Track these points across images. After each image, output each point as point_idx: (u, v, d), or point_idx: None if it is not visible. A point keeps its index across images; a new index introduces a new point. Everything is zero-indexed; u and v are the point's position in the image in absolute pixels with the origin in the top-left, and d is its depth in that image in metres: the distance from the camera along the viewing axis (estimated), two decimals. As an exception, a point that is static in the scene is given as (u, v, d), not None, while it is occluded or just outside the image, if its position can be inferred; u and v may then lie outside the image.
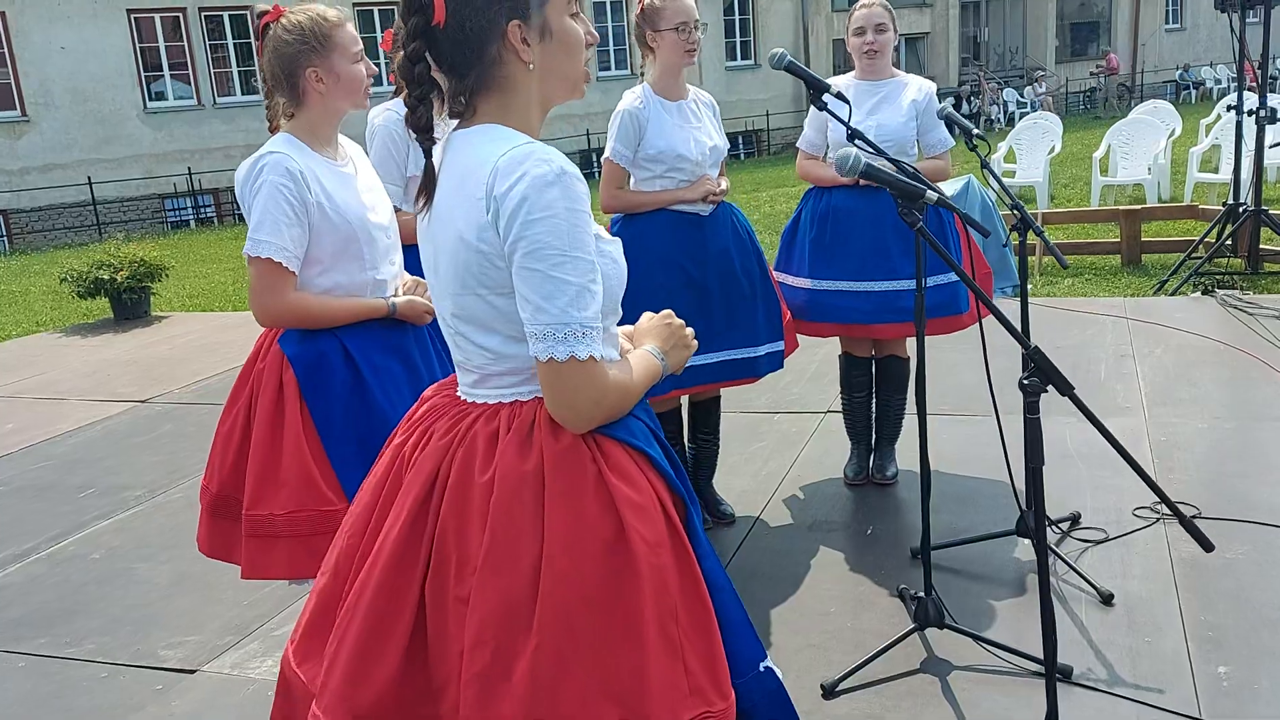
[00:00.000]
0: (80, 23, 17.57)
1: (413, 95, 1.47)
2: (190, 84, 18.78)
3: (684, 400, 3.88)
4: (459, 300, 1.50)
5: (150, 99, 18.45)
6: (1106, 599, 3.05)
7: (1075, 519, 3.57)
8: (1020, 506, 3.44)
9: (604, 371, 1.46)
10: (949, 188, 7.42)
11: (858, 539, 3.67)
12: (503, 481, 1.45)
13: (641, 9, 3.49)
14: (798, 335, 3.89)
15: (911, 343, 4.11)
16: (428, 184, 1.51)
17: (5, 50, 17.47)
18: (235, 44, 19.05)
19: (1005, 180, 10.95)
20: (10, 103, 17.72)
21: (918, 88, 3.79)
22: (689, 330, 1.73)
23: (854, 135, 2.84)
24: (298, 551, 2.32)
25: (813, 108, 3.87)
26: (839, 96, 2.91)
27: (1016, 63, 31.35)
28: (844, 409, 4.17)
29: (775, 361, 3.71)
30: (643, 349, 1.65)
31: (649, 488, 1.52)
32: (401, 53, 1.47)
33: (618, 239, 1.61)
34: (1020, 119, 13.60)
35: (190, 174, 18.23)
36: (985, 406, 4.83)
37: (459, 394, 1.60)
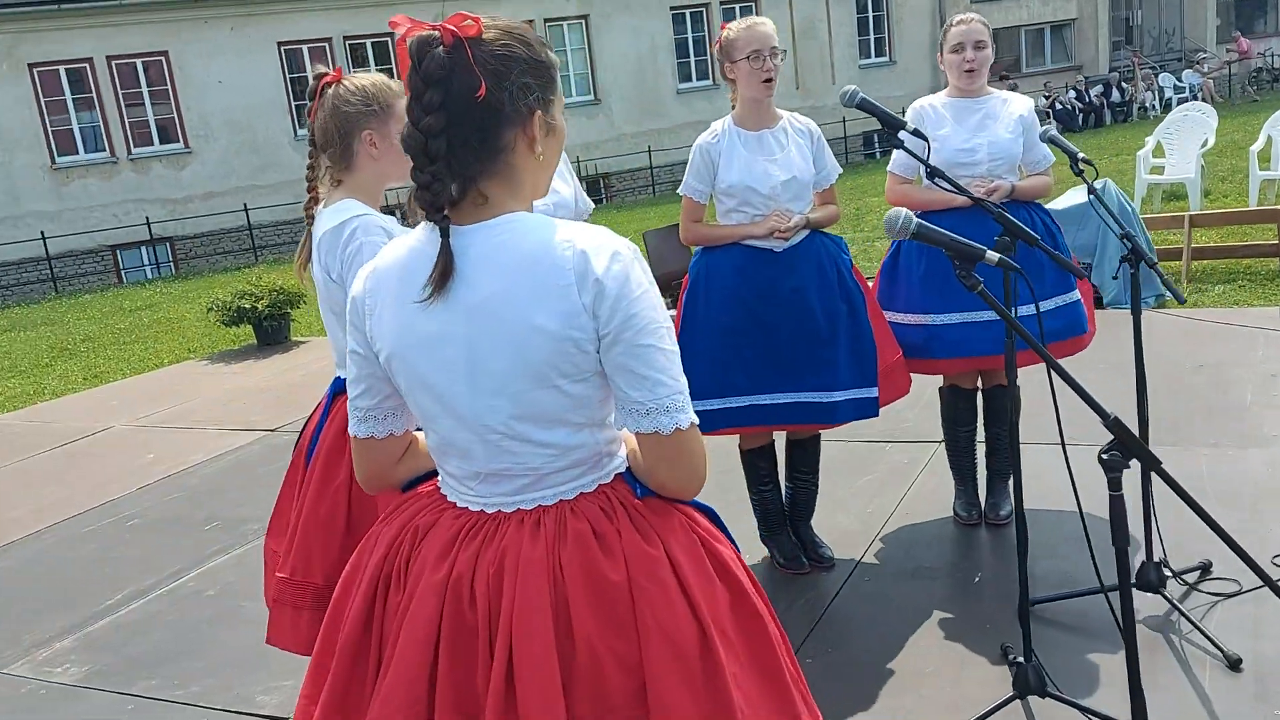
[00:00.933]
0: (235, 57, 18.52)
1: (425, 172, 1.39)
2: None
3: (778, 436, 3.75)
4: (525, 397, 1.41)
5: (300, 127, 19.31)
6: (1234, 664, 2.78)
7: (1205, 568, 3.29)
8: (1146, 556, 3.22)
9: (700, 435, 1.49)
10: (1083, 193, 7.02)
11: (964, 587, 3.47)
12: (640, 571, 1.43)
13: (719, 41, 3.41)
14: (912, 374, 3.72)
15: (1024, 370, 3.89)
16: (444, 269, 1.39)
17: (169, 87, 18.58)
18: (377, 70, 19.74)
19: (1154, 177, 10.33)
20: (174, 136, 18.83)
21: (1020, 103, 3.59)
22: None
23: (934, 173, 2.68)
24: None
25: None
26: (915, 133, 2.74)
27: (1174, 45, 29.62)
28: (948, 445, 3.96)
29: (863, 409, 3.50)
30: None
31: (730, 545, 1.58)
32: (411, 126, 1.39)
33: None
34: (1178, 105, 12.80)
35: (336, 197, 19.01)
36: (1099, 434, 4.53)
37: (477, 508, 1.49)
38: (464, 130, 1.40)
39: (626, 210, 18.54)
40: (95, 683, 3.47)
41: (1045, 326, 3.46)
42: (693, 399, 3.45)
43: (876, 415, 3.57)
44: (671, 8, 21.66)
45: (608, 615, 1.39)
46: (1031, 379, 5.00)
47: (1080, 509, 2.27)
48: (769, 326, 3.41)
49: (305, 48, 19.14)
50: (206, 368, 8.66)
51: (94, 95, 18.11)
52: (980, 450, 3.95)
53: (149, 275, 18.57)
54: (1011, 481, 2.64)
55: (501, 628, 1.38)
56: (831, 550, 3.75)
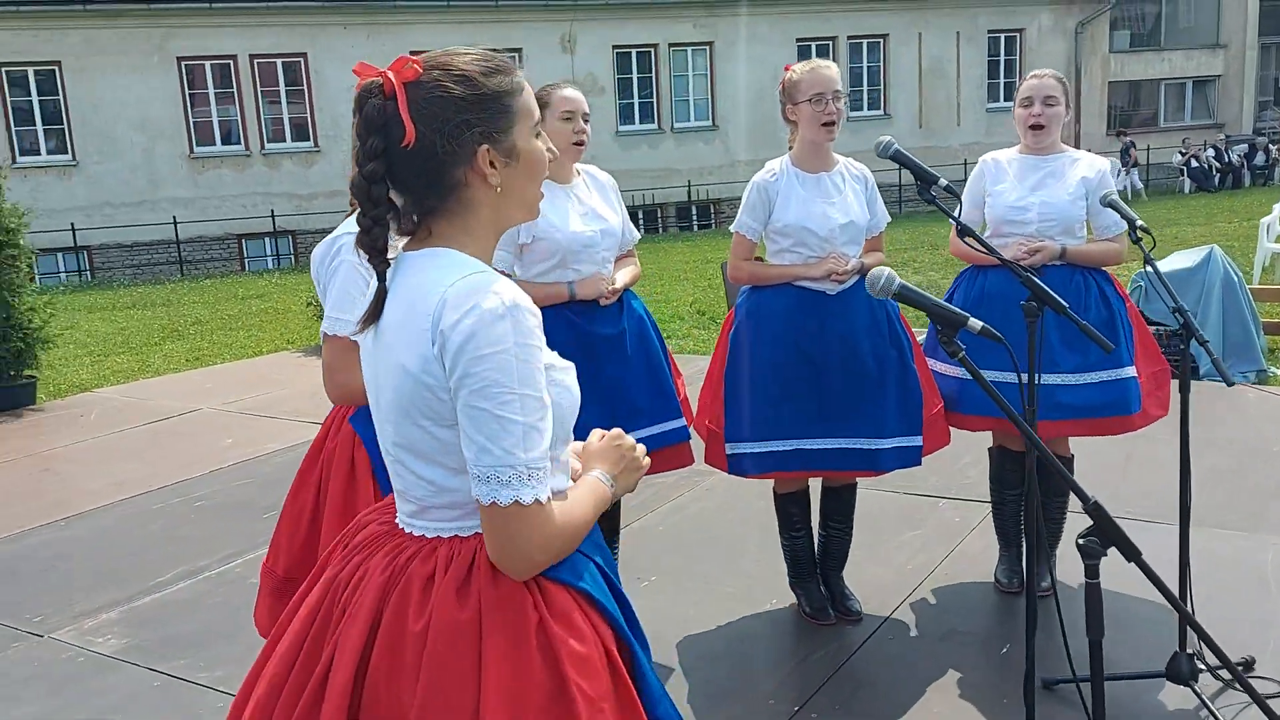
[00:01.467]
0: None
1: (368, 216, 1.44)
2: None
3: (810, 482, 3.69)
4: (401, 429, 1.46)
5: (423, 133, 19.93)
6: (1258, 772, 2.62)
7: (1247, 665, 3.11)
8: (1179, 645, 3.06)
9: (550, 516, 1.39)
10: (1189, 258, 6.75)
11: (990, 657, 3.35)
12: (437, 631, 1.39)
13: (783, 82, 3.40)
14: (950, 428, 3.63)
15: (1076, 440, 3.75)
16: (376, 305, 1.47)
17: (305, 87, 19.35)
18: (502, 83, 20.22)
19: (1278, 246, 9.84)
20: (306, 135, 19.60)
21: (1089, 164, 3.47)
22: (640, 449, 1.65)
23: (965, 231, 2.61)
24: None
25: (974, 177, 3.64)
26: (948, 190, 2.68)
27: (1329, 108, 28.20)
28: (994, 507, 3.85)
29: (907, 457, 3.45)
30: (591, 475, 1.57)
31: (593, 636, 1.45)
32: (357, 171, 1.45)
33: (571, 365, 1.54)
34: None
35: (451, 204, 19.52)
36: (1173, 511, 4.33)
37: (398, 522, 1.55)
38: (406, 174, 1.44)
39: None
40: (130, 656, 3.61)
41: (1088, 400, 3.35)
42: (738, 440, 3.43)
43: (919, 464, 3.51)
44: (797, 39, 21.61)
45: (398, 661, 1.40)
46: (1091, 447, 4.84)
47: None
48: (818, 369, 3.37)
49: (436, 58, 19.73)
50: (300, 359, 8.96)
51: (235, 91, 18.98)
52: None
53: (269, 265, 19.33)
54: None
55: (332, 637, 1.45)
56: (860, 604, 3.67)
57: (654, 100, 21.09)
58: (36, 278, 17.95)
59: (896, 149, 2.82)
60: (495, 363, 1.34)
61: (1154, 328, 6.61)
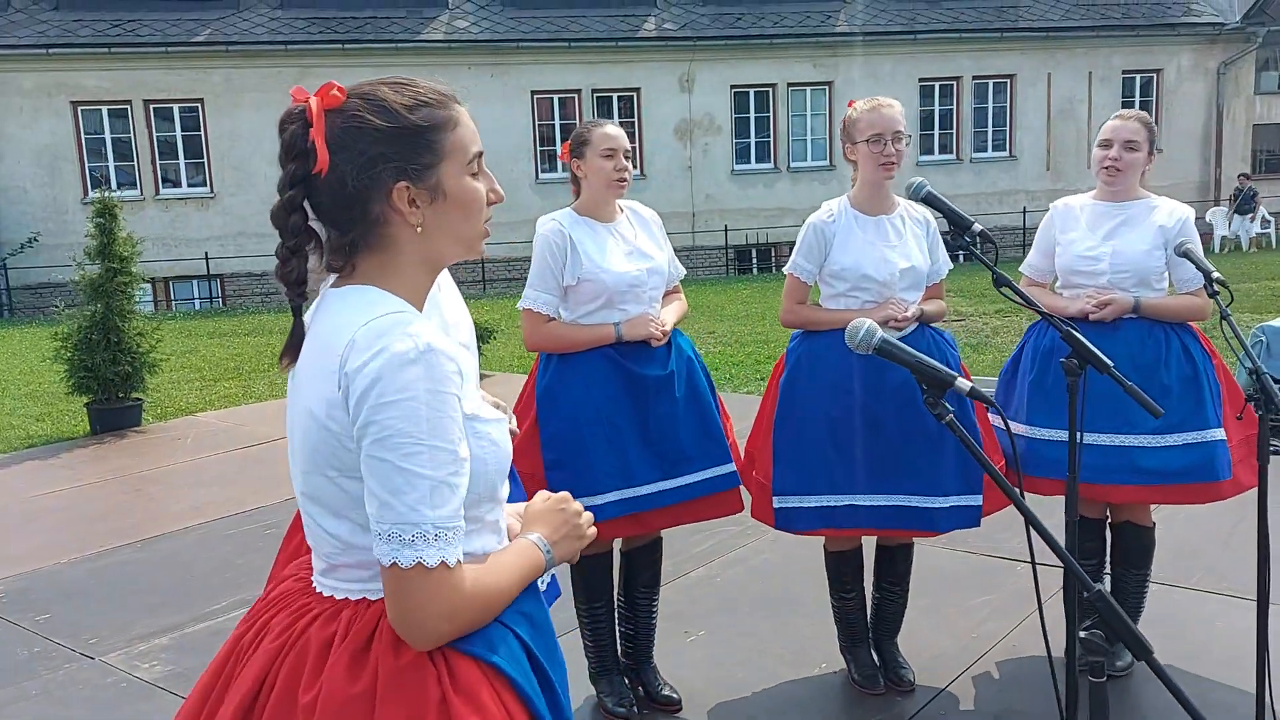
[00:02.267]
0: (492, 102, 19.62)
1: (285, 246, 1.37)
2: (576, 158, 20.40)
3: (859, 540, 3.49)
4: (308, 479, 1.37)
5: (543, 171, 20.21)
6: None
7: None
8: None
9: (459, 581, 1.28)
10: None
11: (1049, 741, 3.09)
12: (324, 705, 1.29)
13: (844, 120, 3.26)
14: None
15: (1160, 509, 3.46)
16: (294, 343, 1.40)
17: (428, 125, 19.94)
18: (620, 122, 20.40)
19: None
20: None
21: (1169, 212, 3.21)
22: (586, 517, 1.53)
23: (1000, 281, 2.41)
24: None
25: (1045, 225, 3.43)
26: (983, 235, 2.49)
27: None
28: (1065, 578, 3.56)
29: (965, 517, 3.23)
30: (525, 539, 1.46)
31: (502, 716, 1.32)
32: (276, 200, 1.38)
33: (503, 417, 1.44)
34: None
35: (564, 240, 19.73)
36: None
37: (312, 580, 1.45)
38: (326, 204, 1.37)
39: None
40: (171, 685, 3.64)
41: (1169, 464, 3.07)
42: (789, 494, 3.28)
43: (978, 525, 3.30)
44: (920, 79, 21.20)
45: None
46: (1196, 516, 4.47)
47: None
48: (876, 421, 3.19)
49: (556, 97, 20.05)
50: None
51: (362, 128, 19.69)
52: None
53: (388, 297, 19.86)
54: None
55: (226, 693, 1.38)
56: (914, 674, 3.44)
57: (770, 139, 20.98)
58: (173, 304, 18.93)
59: (929, 191, 2.64)
60: (402, 410, 1.24)
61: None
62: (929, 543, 4.42)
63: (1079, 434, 3.09)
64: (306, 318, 1.42)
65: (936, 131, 21.53)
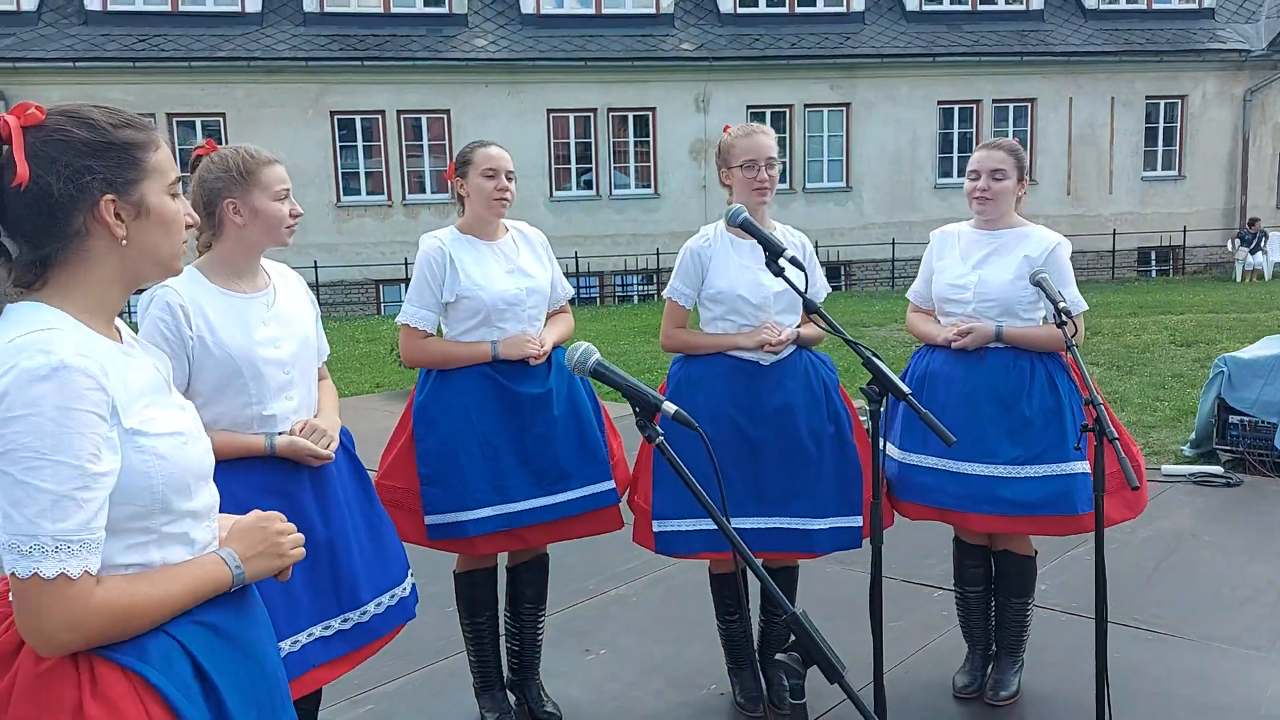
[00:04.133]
0: (508, 120, 19.81)
1: None
2: (592, 176, 20.51)
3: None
4: None
5: (557, 189, 20.36)
6: None
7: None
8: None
9: (81, 593, 1.32)
10: (1274, 346, 6.18)
11: (914, 768, 3.08)
12: None
13: (719, 145, 3.30)
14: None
15: (1040, 539, 3.45)
16: None
17: (446, 141, 20.13)
18: (635, 141, 20.51)
19: None
20: (445, 187, 20.35)
21: (1038, 241, 3.22)
22: (288, 539, 1.57)
23: (810, 308, 2.44)
24: None
25: (926, 252, 3.44)
26: (793, 262, 2.51)
27: None
28: (957, 605, 3.56)
29: (845, 539, 3.25)
30: (212, 554, 1.50)
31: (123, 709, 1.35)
32: None
33: (182, 433, 1.47)
34: None
35: (577, 257, 19.80)
36: (1200, 629, 3.92)
37: None
38: (21, 219, 1.41)
39: (862, 300, 18.14)
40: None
41: (1028, 495, 3.08)
42: (667, 519, 3.29)
43: (859, 546, 3.30)
44: (939, 102, 21.14)
45: None
46: (1121, 552, 4.41)
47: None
48: (753, 445, 3.22)
49: (572, 116, 20.21)
50: (381, 404, 9.20)
51: (381, 144, 19.92)
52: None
53: (403, 311, 20.05)
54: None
55: None
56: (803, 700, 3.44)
57: (786, 160, 20.99)
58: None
59: (745, 218, 2.67)
60: (26, 425, 1.29)
61: (1239, 418, 6.08)
62: (846, 567, 4.43)
63: (928, 459, 3.09)
64: None
65: (955, 154, 21.42)
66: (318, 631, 2.47)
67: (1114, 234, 21.36)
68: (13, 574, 1.30)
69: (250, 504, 2.26)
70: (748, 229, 2.68)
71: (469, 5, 20.05)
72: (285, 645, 2.39)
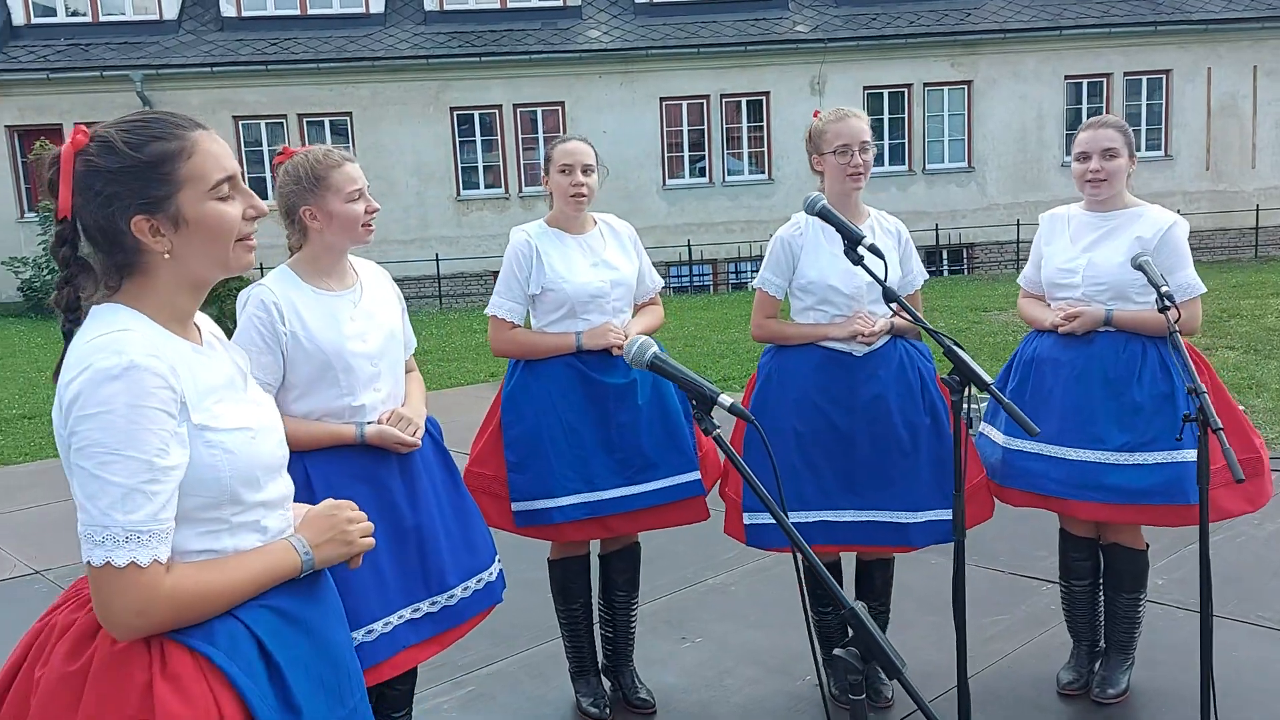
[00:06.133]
0: (621, 110, 19.93)
1: (60, 274, 1.51)
2: (705, 163, 20.44)
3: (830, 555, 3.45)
4: (71, 479, 1.48)
5: (670, 177, 20.36)
6: None
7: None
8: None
9: (153, 581, 1.40)
10: None
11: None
12: (46, 680, 1.43)
13: (809, 131, 3.26)
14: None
15: (1157, 531, 3.31)
16: (60, 362, 1.50)
17: (561, 134, 20.36)
18: (749, 126, 20.36)
19: None
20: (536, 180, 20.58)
21: (1152, 222, 3.07)
22: (357, 527, 1.63)
23: (892, 298, 2.38)
24: None
25: (1036, 236, 3.34)
26: (873, 249, 2.45)
27: None
28: (1063, 599, 3.45)
29: (941, 532, 3.18)
30: (282, 541, 1.57)
31: (208, 704, 1.43)
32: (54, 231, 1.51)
33: (248, 428, 1.54)
34: None
35: (689, 245, 19.79)
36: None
37: None
38: (93, 236, 1.50)
39: (984, 283, 17.62)
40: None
41: (1137, 483, 2.95)
42: (757, 511, 3.29)
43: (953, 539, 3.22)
44: (1067, 77, 20.33)
45: (21, 710, 1.43)
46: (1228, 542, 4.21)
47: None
48: (845, 436, 3.18)
49: (685, 103, 20.18)
50: (490, 392, 9.38)
51: (498, 138, 20.27)
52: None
53: (521, 301, 20.37)
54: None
55: None
56: (892, 689, 3.40)
57: (905, 141, 20.53)
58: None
59: (823, 206, 2.62)
60: (99, 423, 1.37)
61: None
62: (949, 557, 4.34)
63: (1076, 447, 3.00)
64: None
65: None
66: (407, 614, 2.56)
67: (1257, 210, 20.20)
68: (88, 562, 1.39)
69: (343, 490, 2.37)
70: (826, 217, 2.65)
71: (583, -3, 20.21)
72: (377, 627, 2.49)
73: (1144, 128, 20.82)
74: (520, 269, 3.22)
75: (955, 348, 2.15)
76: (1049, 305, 3.28)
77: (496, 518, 3.17)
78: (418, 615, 2.58)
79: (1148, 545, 3.30)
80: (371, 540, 1.67)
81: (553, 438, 3.15)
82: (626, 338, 3.21)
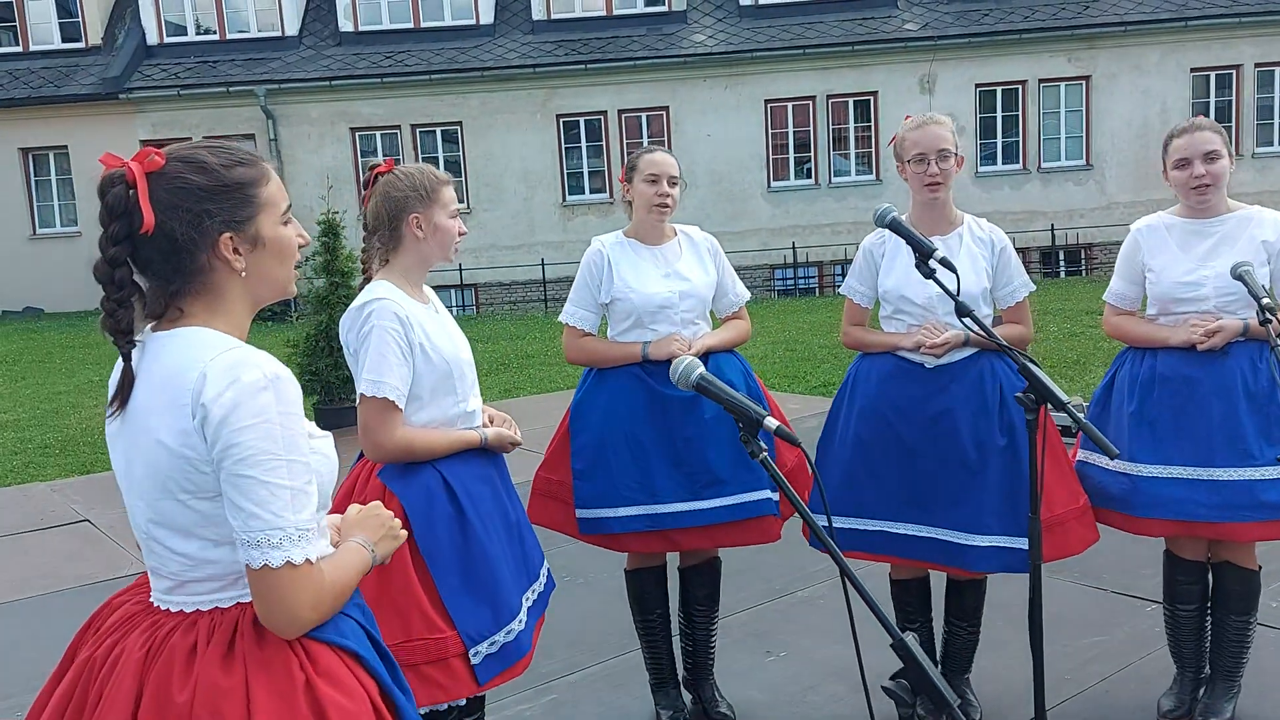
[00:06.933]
0: (725, 113, 19.87)
1: (111, 299, 1.51)
2: (811, 165, 20.22)
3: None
4: (157, 505, 1.51)
5: (775, 179, 20.22)
6: None
7: None
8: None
9: (320, 575, 1.49)
10: None
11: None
12: (203, 699, 1.44)
13: (894, 138, 3.20)
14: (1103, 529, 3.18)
15: (1265, 547, 3.13)
16: (125, 387, 1.53)
17: (666, 138, 20.42)
18: (856, 126, 20.06)
19: None
20: (666, 182, 20.63)
21: (1271, 224, 2.91)
22: (397, 522, 1.70)
23: (964, 312, 2.30)
24: (411, 679, 2.33)
25: (1128, 249, 3.20)
26: (944, 262, 2.36)
27: None
28: (1166, 623, 3.29)
29: (1007, 561, 3.03)
30: (353, 541, 1.64)
31: (360, 691, 1.54)
32: (99, 256, 1.52)
33: (329, 434, 1.60)
34: None
35: (794, 248, 19.60)
36: None
37: (153, 600, 1.59)
38: (150, 258, 1.53)
39: (1102, 285, 16.94)
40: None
41: (1266, 498, 2.79)
42: (819, 514, 3.23)
43: (1025, 571, 3.08)
44: (1192, 69, 19.46)
45: None
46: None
47: None
48: (908, 448, 3.10)
49: (790, 105, 20.00)
50: (592, 399, 9.46)
51: (603, 143, 20.44)
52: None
53: (626, 306, 20.49)
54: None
55: (89, 714, 1.49)
56: (980, 711, 3.30)
57: (1019, 139, 19.94)
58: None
59: (893, 218, 2.55)
60: (260, 432, 1.43)
61: None
62: (1053, 575, 4.18)
63: (1187, 468, 2.82)
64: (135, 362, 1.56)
65: (1214, 125, 19.67)
66: (525, 602, 2.65)
67: (1406, 205, 18.99)
68: (264, 566, 1.44)
69: (471, 490, 2.50)
70: (896, 229, 2.58)
71: (688, 2, 20.21)
72: (515, 625, 2.56)
73: (1276, 121, 19.82)
74: (592, 278, 3.26)
75: (1030, 365, 2.07)
76: (1156, 321, 3.11)
77: (563, 523, 3.23)
78: (529, 603, 2.67)
79: (1260, 566, 3.12)
80: (405, 533, 1.75)
81: (616, 448, 3.17)
82: (691, 349, 3.19)
